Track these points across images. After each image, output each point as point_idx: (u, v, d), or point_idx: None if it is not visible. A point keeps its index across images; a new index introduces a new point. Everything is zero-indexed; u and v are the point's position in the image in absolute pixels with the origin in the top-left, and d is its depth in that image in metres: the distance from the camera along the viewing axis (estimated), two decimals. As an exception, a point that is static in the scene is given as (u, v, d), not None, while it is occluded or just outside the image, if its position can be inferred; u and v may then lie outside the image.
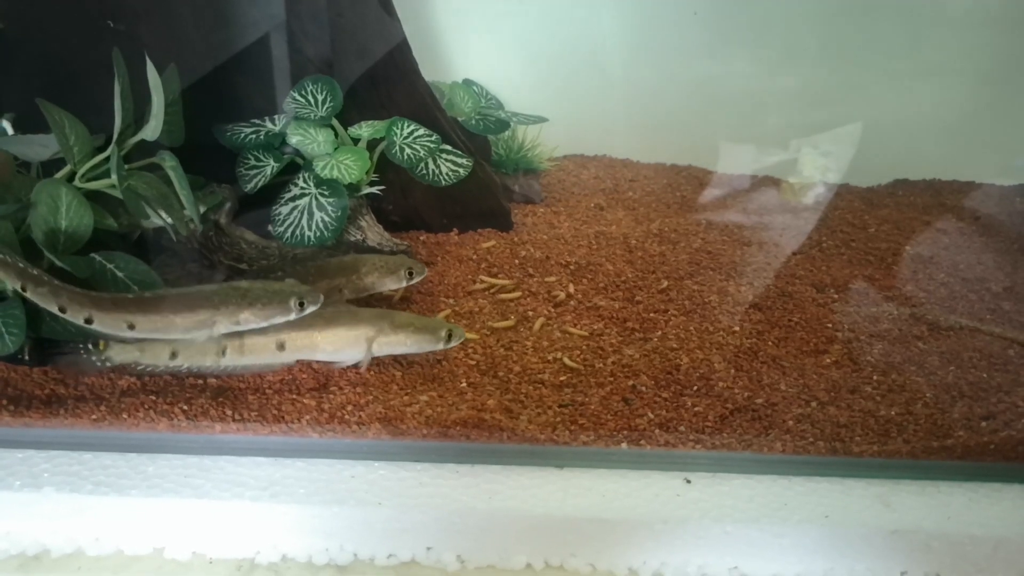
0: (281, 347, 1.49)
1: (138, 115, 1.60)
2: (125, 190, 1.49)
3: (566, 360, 1.63)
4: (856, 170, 2.46)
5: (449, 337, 1.55)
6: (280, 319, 1.44)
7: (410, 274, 1.73)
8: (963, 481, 1.45)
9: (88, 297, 1.41)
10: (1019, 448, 1.47)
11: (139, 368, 1.48)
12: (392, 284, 1.74)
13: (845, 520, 1.36)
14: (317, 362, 1.56)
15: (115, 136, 1.54)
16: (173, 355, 1.46)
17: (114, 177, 1.48)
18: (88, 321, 1.40)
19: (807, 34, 2.33)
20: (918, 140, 2.44)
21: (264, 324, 1.44)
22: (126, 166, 1.55)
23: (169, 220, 1.58)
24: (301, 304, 1.44)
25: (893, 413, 1.53)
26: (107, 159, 1.53)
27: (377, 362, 1.60)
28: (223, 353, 1.47)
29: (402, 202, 2.07)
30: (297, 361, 1.54)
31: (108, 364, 1.46)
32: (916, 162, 2.56)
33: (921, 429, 1.49)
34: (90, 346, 1.44)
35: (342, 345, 1.52)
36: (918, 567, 1.36)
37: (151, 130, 1.55)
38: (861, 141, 2.32)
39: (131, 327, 1.41)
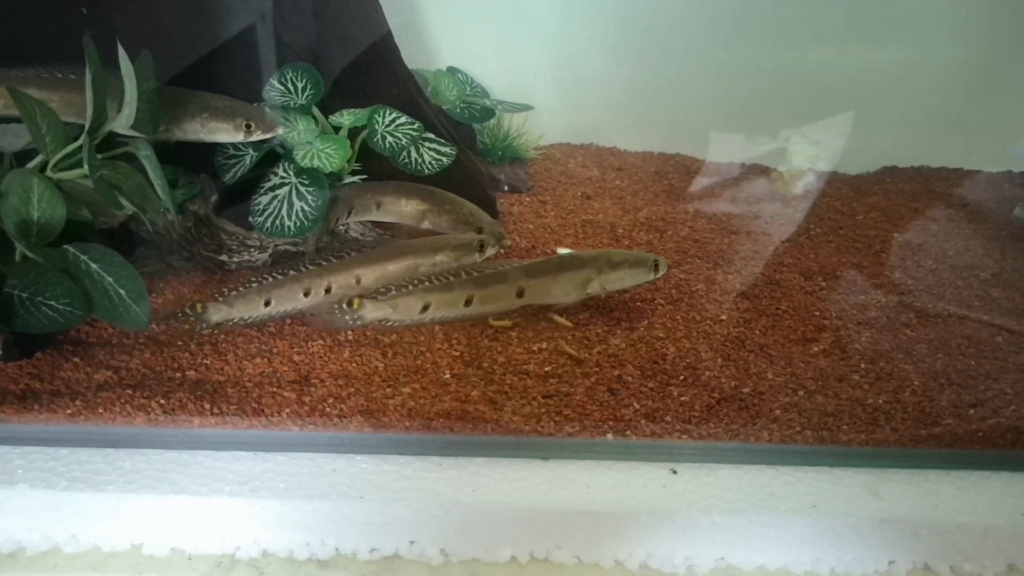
0: (520, 294, 1.63)
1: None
2: (97, 180, 1.46)
3: (566, 348, 1.62)
4: (844, 157, 2.45)
5: (656, 267, 1.67)
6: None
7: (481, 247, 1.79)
8: (951, 469, 1.44)
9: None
10: (1007, 435, 1.46)
11: (388, 323, 1.58)
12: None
13: (833, 509, 1.34)
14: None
15: (87, 125, 1.51)
16: (424, 308, 1.58)
17: (86, 167, 1.45)
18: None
19: (794, 21, 2.31)
20: (906, 127, 2.43)
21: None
22: (100, 156, 1.52)
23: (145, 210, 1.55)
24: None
25: (881, 401, 1.52)
26: (80, 148, 1.49)
27: (358, 352, 1.58)
28: (467, 304, 1.60)
29: (386, 191, 2.04)
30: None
31: (360, 322, 1.56)
32: (904, 149, 2.55)
33: (909, 417, 1.48)
34: (344, 305, 1.55)
35: (571, 288, 1.65)
36: (906, 556, 1.35)
37: (124, 119, 1.51)
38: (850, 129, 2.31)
39: None
